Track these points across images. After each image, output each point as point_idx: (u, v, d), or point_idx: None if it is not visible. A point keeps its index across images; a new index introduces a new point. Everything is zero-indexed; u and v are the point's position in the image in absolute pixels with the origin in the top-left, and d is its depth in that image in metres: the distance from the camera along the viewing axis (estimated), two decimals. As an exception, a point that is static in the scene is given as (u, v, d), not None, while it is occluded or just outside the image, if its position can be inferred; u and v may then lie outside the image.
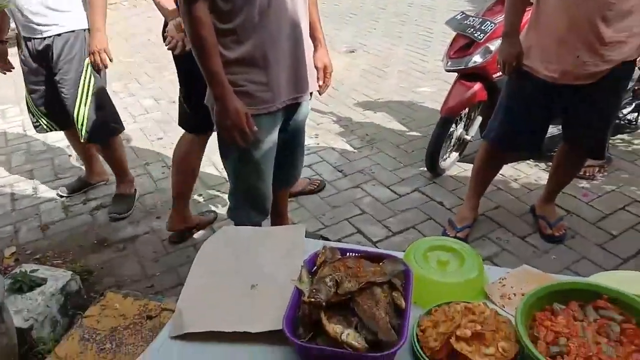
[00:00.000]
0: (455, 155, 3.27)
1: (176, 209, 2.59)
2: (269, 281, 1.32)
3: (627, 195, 2.88)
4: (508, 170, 3.13)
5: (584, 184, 3.00)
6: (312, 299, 1.09)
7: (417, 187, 3.09)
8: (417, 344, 1.11)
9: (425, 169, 3.17)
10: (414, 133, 3.77)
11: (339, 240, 2.63)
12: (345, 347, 1.03)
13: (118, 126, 2.85)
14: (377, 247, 2.56)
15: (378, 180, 3.20)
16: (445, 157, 3.19)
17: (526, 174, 3.15)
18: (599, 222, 2.67)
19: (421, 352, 1.09)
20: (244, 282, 1.33)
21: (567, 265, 2.37)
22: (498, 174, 2.67)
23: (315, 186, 3.08)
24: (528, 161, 3.24)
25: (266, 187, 2.03)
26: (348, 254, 1.32)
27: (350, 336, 1.04)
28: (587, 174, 3.00)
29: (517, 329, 1.07)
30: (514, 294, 1.29)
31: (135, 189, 3.07)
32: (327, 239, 2.57)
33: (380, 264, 1.24)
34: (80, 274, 2.30)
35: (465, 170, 3.21)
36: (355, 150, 3.57)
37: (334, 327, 1.07)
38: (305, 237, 1.49)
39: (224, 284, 1.33)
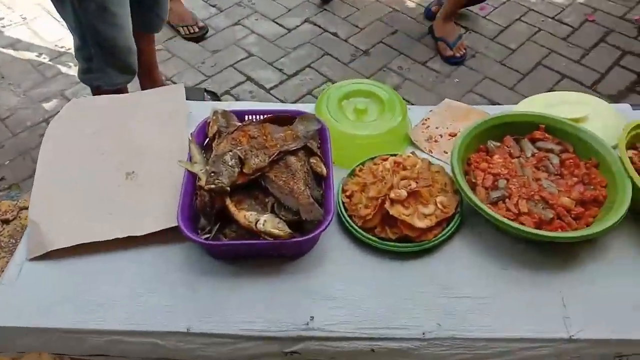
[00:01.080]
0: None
1: None
2: (150, 164, 1.05)
3: (522, 4, 2.81)
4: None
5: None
6: (212, 185, 0.86)
7: (306, 18, 2.76)
8: (344, 213, 0.96)
9: (313, -6, 2.79)
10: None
11: (227, 93, 2.31)
12: (263, 236, 0.84)
13: None
14: (272, 95, 2.30)
15: (261, 12, 2.79)
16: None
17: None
18: (497, 37, 2.60)
19: (351, 223, 0.94)
20: (116, 169, 1.04)
21: (471, 87, 2.32)
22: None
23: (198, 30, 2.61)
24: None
25: (124, 35, 1.60)
26: (247, 117, 1.06)
27: (268, 223, 0.85)
28: None
29: (455, 178, 0.95)
30: (440, 135, 1.16)
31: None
32: (214, 94, 2.25)
33: (290, 127, 1.01)
34: None
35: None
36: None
37: (245, 215, 0.86)
38: (187, 97, 1.19)
39: (87, 175, 1.03)
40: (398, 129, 1.11)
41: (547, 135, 1.05)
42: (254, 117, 1.06)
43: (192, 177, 0.94)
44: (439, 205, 0.93)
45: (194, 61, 2.50)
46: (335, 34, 2.64)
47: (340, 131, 1.07)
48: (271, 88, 2.34)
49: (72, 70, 2.41)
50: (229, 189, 0.87)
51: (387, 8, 2.80)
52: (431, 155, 1.12)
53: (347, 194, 0.99)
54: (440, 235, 0.91)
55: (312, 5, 2.84)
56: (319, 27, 2.70)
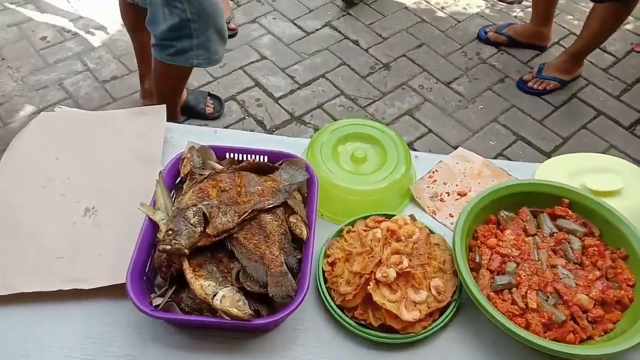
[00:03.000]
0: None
1: None
2: (113, 200, 0.95)
3: (562, 25, 2.64)
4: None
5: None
6: (168, 246, 0.75)
7: (327, 21, 2.63)
8: (323, 285, 0.84)
9: (338, -5, 2.66)
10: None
11: (232, 99, 2.20)
12: (220, 313, 0.73)
13: None
14: (280, 105, 2.18)
15: (280, 11, 2.67)
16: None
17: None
18: (529, 62, 2.45)
19: (329, 299, 0.83)
20: (76, 201, 0.95)
21: (496, 116, 2.17)
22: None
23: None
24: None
25: None
26: (228, 155, 0.95)
27: (226, 300, 0.74)
28: None
29: (455, 259, 0.83)
30: (448, 194, 1.04)
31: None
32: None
33: (271, 176, 0.89)
34: None
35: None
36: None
37: (202, 285, 0.76)
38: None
39: (44, 206, 0.93)
40: (399, 183, 0.99)
41: (570, 212, 0.91)
42: (235, 155, 0.95)
43: (152, 225, 0.84)
44: (433, 291, 0.81)
45: (202, 59, 2.40)
46: (356, 42, 2.51)
47: (333, 183, 0.96)
48: (280, 97, 2.22)
49: (75, 58, 2.33)
50: (187, 251, 0.76)
51: (416, 18, 2.66)
52: (434, 218, 0.99)
53: (330, 260, 0.87)
54: (430, 327, 0.79)
55: (335, 8, 2.71)
56: (340, 32, 2.57)
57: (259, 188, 0.84)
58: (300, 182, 0.89)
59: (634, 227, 0.86)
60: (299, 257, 0.83)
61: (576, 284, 0.83)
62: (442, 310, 0.82)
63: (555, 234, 0.89)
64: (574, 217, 0.91)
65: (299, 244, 0.85)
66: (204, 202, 0.80)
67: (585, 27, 2.13)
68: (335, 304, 0.82)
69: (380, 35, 2.55)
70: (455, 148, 2.04)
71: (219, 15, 1.62)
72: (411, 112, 2.18)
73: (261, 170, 0.89)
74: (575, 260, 0.86)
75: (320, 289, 0.84)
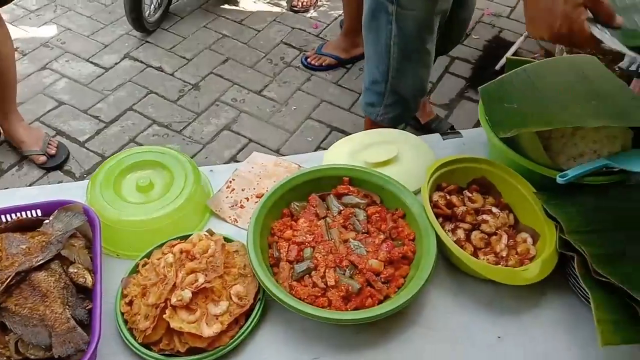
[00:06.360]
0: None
1: None
2: None
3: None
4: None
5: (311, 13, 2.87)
6: None
7: (126, 53, 2.54)
8: (123, 328, 0.80)
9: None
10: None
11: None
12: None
13: None
14: (88, 149, 2.05)
15: (72, 52, 2.52)
16: (152, 3, 2.60)
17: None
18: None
19: (130, 341, 0.79)
20: None
21: (309, 113, 2.27)
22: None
23: None
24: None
25: None
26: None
27: (1, 378, 0.66)
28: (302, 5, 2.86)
29: (249, 259, 0.84)
30: (247, 199, 1.06)
31: None
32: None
33: (40, 230, 0.83)
34: None
35: (180, 19, 2.73)
36: (31, 13, 2.71)
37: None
38: None
39: None
40: (191, 202, 0.98)
41: (351, 188, 0.99)
42: (2, 217, 0.86)
43: None
44: (234, 298, 0.81)
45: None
46: (160, 69, 2.46)
47: (119, 220, 0.92)
48: (86, 141, 2.09)
49: None
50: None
51: (217, 34, 2.69)
52: (237, 226, 1.00)
53: (127, 299, 0.83)
54: (237, 335, 0.80)
55: (132, 39, 2.63)
56: (141, 62, 2.50)
57: (24, 247, 0.78)
58: (75, 228, 0.83)
59: (404, 188, 0.96)
60: (88, 307, 0.78)
61: (367, 251, 0.89)
62: (248, 314, 0.83)
63: (342, 211, 0.95)
64: (356, 192, 0.98)
65: (89, 294, 0.80)
66: (-46, 278, 0.71)
67: (345, 5, 2.33)
68: (138, 343, 0.78)
69: (184, 57, 2.53)
70: (277, 152, 2.13)
71: None
72: (229, 126, 2.20)
73: (25, 226, 0.82)
74: (363, 230, 0.93)
75: (120, 332, 0.80)
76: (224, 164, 1.93)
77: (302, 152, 1.12)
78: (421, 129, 2.14)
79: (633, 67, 1.21)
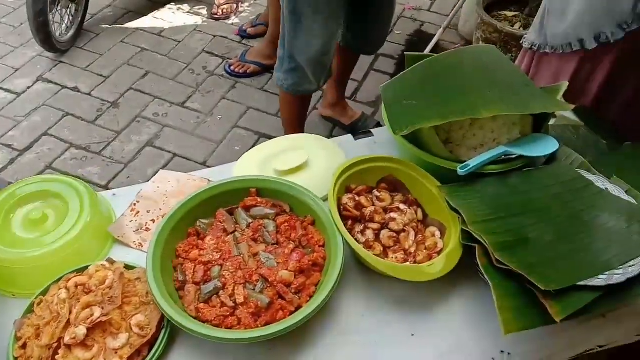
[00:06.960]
0: (75, 14, 2.57)
1: None
2: None
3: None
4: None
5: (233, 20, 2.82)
6: None
7: (39, 75, 2.42)
8: (16, 375, 0.74)
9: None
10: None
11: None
12: None
13: None
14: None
15: (-21, 79, 2.38)
16: (63, 21, 2.48)
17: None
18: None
19: (25, 388, 0.73)
20: None
21: (236, 121, 2.23)
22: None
23: None
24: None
25: None
26: None
27: None
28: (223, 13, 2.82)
29: (149, 288, 0.80)
30: (153, 221, 1.01)
31: None
32: None
33: None
34: None
35: (95, 36, 2.63)
36: None
37: None
38: None
39: None
40: (88, 230, 0.92)
41: (259, 199, 0.96)
42: None
43: None
44: (134, 329, 0.77)
45: None
46: (75, 89, 2.36)
47: (8, 259, 0.85)
48: (1, 169, 1.98)
49: None
50: None
51: (135, 48, 2.60)
52: (142, 251, 0.96)
53: (21, 343, 0.78)
54: (141, 367, 0.76)
55: (44, 60, 2.51)
56: (56, 84, 2.38)
57: None
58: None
59: (311, 194, 0.94)
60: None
61: (277, 262, 0.87)
62: (152, 344, 0.79)
63: (251, 224, 0.93)
64: (265, 202, 0.96)
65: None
66: None
67: (270, 10, 2.33)
68: (32, 390, 0.73)
69: (102, 75, 2.44)
70: (204, 164, 2.07)
71: None
72: (152, 142, 2.13)
73: None
74: (273, 241, 0.91)
75: (12, 381, 0.74)
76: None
77: (230, 162, 1.09)
78: (350, 131, 2.14)
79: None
